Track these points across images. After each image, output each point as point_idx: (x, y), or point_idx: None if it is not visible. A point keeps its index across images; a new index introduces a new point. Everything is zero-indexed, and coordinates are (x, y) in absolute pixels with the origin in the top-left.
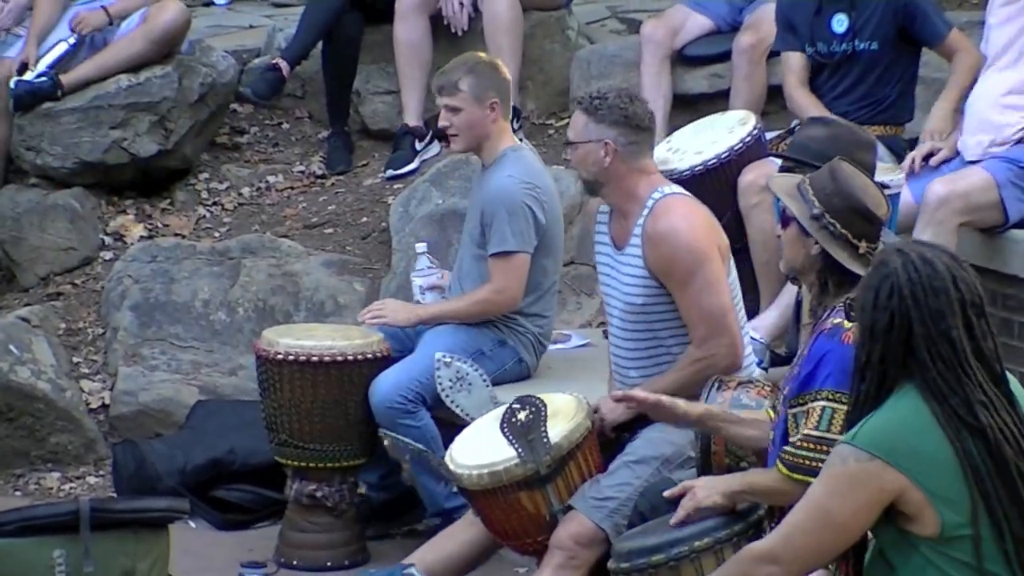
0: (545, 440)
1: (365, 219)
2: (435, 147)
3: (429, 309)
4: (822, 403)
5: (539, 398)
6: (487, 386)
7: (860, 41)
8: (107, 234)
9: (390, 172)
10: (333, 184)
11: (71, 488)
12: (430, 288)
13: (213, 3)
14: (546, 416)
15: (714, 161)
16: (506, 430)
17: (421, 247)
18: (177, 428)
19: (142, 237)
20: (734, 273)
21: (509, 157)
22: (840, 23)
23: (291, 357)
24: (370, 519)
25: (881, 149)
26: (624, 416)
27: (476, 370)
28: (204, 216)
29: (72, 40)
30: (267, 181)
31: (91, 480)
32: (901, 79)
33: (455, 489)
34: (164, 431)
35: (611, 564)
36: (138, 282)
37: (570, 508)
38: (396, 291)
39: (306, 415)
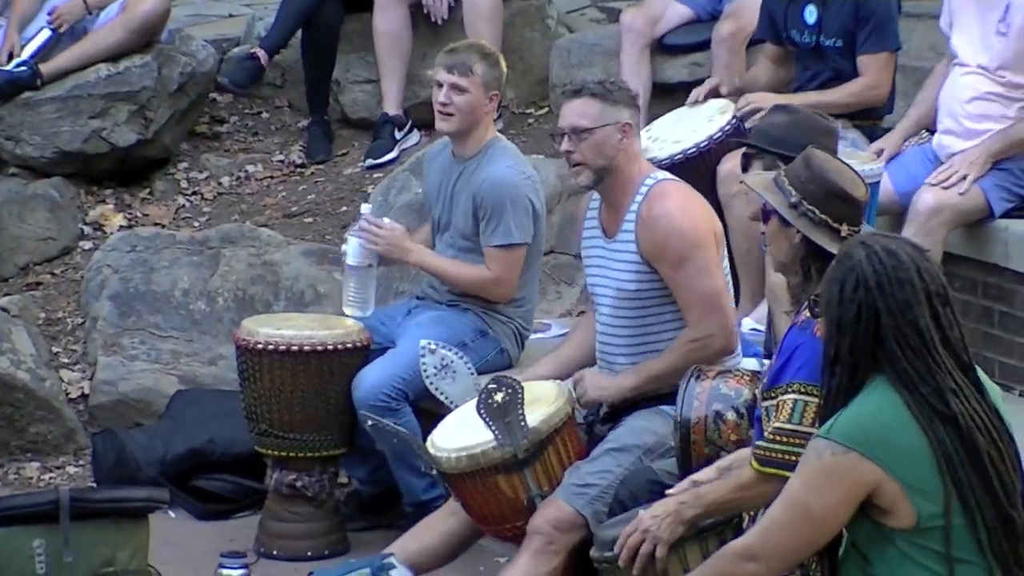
0: (523, 424)
1: (345, 208)
2: (415, 136)
3: (421, 257)
4: (793, 396)
5: (516, 380)
6: (472, 374)
7: (826, 38)
8: (87, 224)
9: (370, 161)
10: (313, 173)
11: (51, 478)
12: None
13: None
14: (523, 399)
15: (693, 150)
16: (483, 411)
17: (366, 208)
18: (157, 418)
19: (122, 227)
20: (726, 261)
21: (497, 148)
22: (811, 14)
23: (271, 347)
24: (359, 513)
25: (859, 138)
26: (603, 399)
27: (461, 357)
28: (184, 205)
29: (50, 29)
30: (247, 170)
31: (71, 470)
32: None
33: (433, 480)
34: (144, 421)
35: (593, 552)
36: (117, 272)
37: (549, 493)
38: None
39: (286, 404)
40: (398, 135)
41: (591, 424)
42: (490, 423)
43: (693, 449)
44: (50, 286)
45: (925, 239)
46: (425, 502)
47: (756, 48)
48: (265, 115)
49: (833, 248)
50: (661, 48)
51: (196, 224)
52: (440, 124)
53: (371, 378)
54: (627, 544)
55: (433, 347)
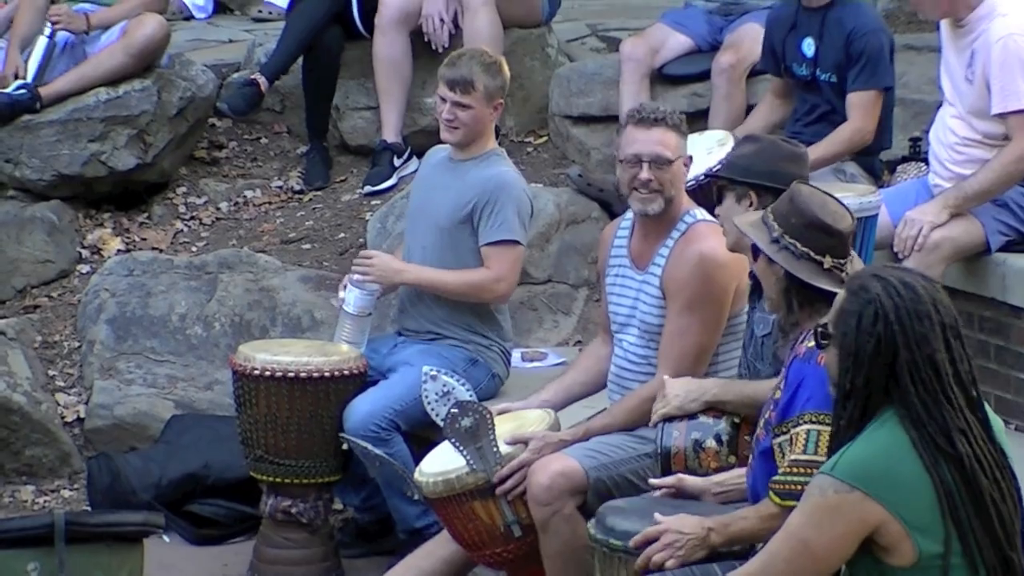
0: (495, 450)
1: (343, 235)
2: (413, 163)
3: (419, 273)
4: (806, 427)
5: (483, 405)
6: (472, 400)
7: (821, 72)
8: (84, 247)
9: (368, 188)
10: (311, 199)
11: (46, 501)
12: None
13: (193, 17)
14: (493, 425)
15: (692, 183)
16: (451, 437)
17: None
18: (152, 442)
19: (119, 251)
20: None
21: (495, 156)
22: (809, 47)
23: (267, 372)
24: (355, 540)
25: (856, 170)
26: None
27: (462, 384)
28: (182, 230)
29: (47, 32)
30: (245, 196)
31: (66, 493)
32: None
33: (425, 507)
34: (139, 445)
35: (592, 530)
36: (115, 296)
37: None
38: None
39: (282, 431)
40: (397, 162)
41: None
42: (461, 448)
43: (673, 462)
44: (47, 309)
45: (926, 272)
46: (419, 529)
47: (755, 79)
48: (264, 141)
49: (816, 280)
50: (661, 78)
51: (194, 249)
52: (445, 135)
53: (362, 409)
54: (645, 552)
55: (435, 373)
